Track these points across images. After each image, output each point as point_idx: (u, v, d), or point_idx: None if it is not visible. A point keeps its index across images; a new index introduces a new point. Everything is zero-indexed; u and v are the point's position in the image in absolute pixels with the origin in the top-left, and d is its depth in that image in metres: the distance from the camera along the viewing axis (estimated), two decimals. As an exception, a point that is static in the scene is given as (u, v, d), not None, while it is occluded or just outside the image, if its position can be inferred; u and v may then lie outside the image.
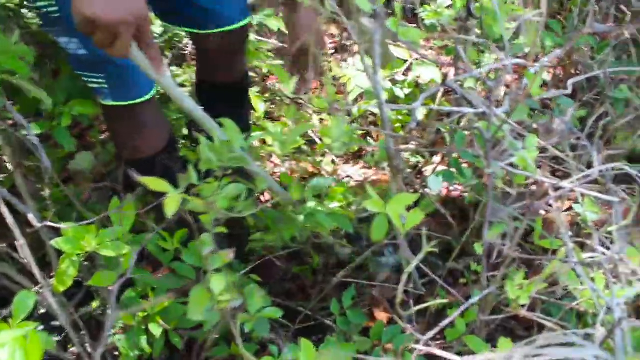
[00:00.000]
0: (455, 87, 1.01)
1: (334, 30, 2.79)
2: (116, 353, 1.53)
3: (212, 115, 1.17)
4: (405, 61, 1.84)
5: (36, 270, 1.16)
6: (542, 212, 1.46)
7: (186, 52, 2.61)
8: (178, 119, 1.94)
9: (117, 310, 1.50)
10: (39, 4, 1.20)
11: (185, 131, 2.02)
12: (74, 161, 1.90)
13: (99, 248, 1.18)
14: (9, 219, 1.10)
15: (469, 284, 1.61)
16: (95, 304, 1.64)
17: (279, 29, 2.24)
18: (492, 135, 0.92)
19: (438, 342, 1.49)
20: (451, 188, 1.83)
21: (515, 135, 1.08)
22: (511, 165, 0.99)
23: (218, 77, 1.66)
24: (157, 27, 2.03)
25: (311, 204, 1.20)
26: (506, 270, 1.01)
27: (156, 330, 1.36)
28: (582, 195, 0.96)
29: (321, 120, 2.09)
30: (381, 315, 1.58)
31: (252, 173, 1.15)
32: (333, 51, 2.65)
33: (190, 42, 2.23)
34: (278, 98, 2.29)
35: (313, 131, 2.21)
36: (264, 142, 2.06)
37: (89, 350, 1.38)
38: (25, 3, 1.79)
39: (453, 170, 1.23)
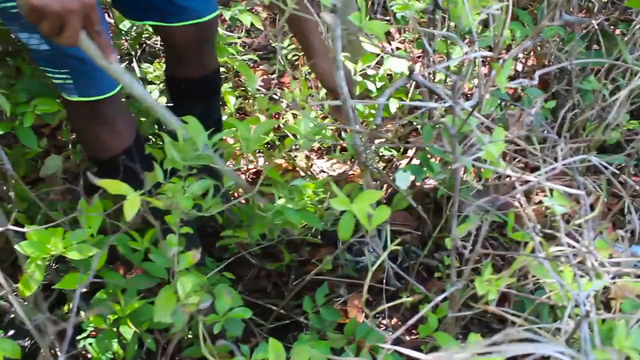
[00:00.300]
0: (421, 80, 1.00)
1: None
2: (89, 356, 1.51)
3: (183, 110, 1.15)
4: (377, 55, 1.83)
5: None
6: (517, 205, 1.46)
7: (156, 48, 2.58)
8: (148, 115, 1.92)
9: (82, 312, 1.49)
10: None
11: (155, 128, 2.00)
12: (44, 167, 1.87)
13: (65, 251, 1.16)
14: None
15: (444, 278, 1.61)
16: (66, 307, 1.61)
17: (251, 24, 2.22)
18: (458, 129, 0.91)
19: (412, 338, 1.49)
20: (426, 181, 1.82)
21: (483, 128, 1.07)
22: (479, 159, 0.98)
23: (188, 72, 1.64)
24: (126, 23, 1.99)
25: (280, 201, 1.18)
26: (474, 265, 1.00)
27: (128, 332, 1.34)
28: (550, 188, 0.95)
29: (295, 115, 2.07)
30: (355, 312, 1.58)
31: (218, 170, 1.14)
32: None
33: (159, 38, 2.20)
34: (250, 93, 2.27)
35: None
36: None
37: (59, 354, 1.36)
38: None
39: (420, 164, 1.22)
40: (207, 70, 1.66)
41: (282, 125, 2.03)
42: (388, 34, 2.61)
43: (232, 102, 2.11)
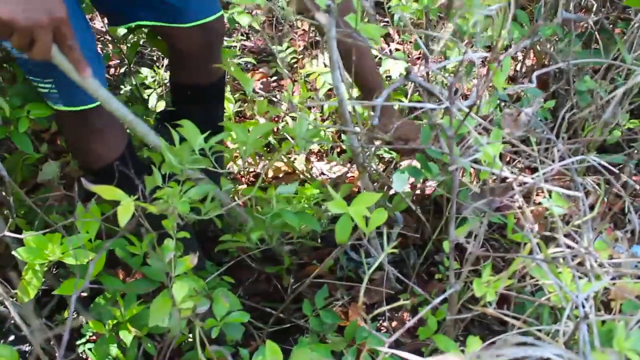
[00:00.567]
0: (419, 80, 1.00)
1: (305, 26, 2.77)
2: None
3: (187, 116, 1.13)
4: (376, 57, 1.82)
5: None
6: (515, 207, 1.46)
7: (154, 55, 2.58)
8: (146, 120, 1.91)
9: (80, 317, 1.48)
10: None
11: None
12: (41, 172, 1.87)
13: (62, 257, 1.16)
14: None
15: (444, 280, 1.60)
16: (67, 313, 1.61)
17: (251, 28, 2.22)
18: (455, 131, 0.91)
19: (413, 341, 1.49)
20: (426, 183, 1.82)
21: (481, 129, 1.07)
22: (477, 160, 0.98)
23: (194, 79, 1.62)
24: (121, 30, 1.99)
25: (278, 204, 1.18)
26: (474, 267, 0.99)
27: (127, 337, 1.33)
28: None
29: (294, 118, 2.07)
30: (356, 315, 1.57)
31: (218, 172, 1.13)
32: (303, 47, 2.63)
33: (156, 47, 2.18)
34: (249, 97, 2.26)
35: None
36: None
37: None
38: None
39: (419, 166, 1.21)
40: (214, 76, 1.64)
41: (280, 128, 2.02)
42: (387, 35, 2.60)
43: (230, 106, 2.11)
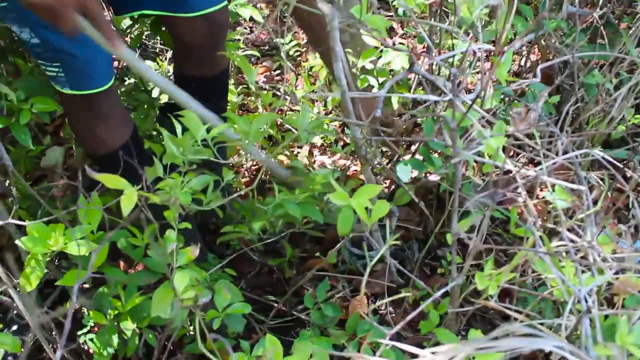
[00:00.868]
0: (423, 72, 0.99)
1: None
2: (91, 351, 1.51)
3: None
4: (378, 49, 1.82)
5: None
6: (519, 200, 1.45)
7: (157, 47, 2.58)
8: (148, 109, 1.91)
9: (81, 308, 1.48)
10: None
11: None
12: (44, 157, 1.87)
13: (66, 247, 1.16)
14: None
15: (446, 275, 1.60)
16: (69, 304, 1.61)
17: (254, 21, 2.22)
18: (458, 123, 0.90)
19: (415, 335, 1.48)
20: (428, 177, 1.82)
21: (484, 122, 1.06)
22: (480, 153, 0.97)
23: (198, 70, 1.61)
24: (126, 21, 1.98)
25: (280, 194, 1.17)
26: (476, 261, 0.99)
27: (128, 328, 1.34)
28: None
29: (297, 112, 2.07)
30: (357, 306, 1.57)
31: (220, 163, 1.13)
32: (306, 41, 2.62)
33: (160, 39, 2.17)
34: (252, 90, 2.26)
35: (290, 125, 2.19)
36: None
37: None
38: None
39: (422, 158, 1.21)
40: (218, 68, 1.63)
41: (282, 119, 2.02)
42: (391, 29, 2.60)
43: (234, 99, 2.10)
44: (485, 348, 0.60)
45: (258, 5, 2.94)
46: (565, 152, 0.97)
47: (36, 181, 1.96)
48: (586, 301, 0.81)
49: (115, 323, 1.34)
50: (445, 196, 1.57)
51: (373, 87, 1.83)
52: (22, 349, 1.21)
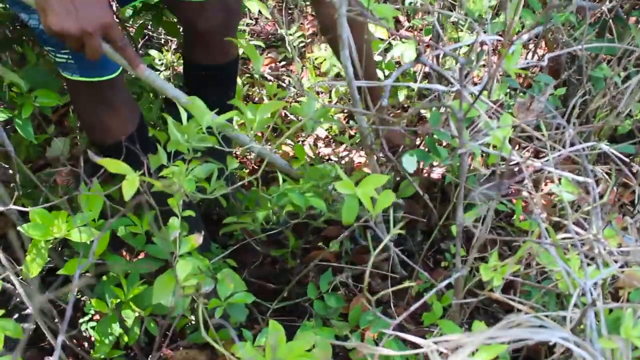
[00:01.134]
0: (429, 63, 0.98)
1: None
2: (92, 339, 1.51)
3: (204, 98, 1.13)
4: (384, 40, 1.81)
5: (2, 256, 1.13)
6: (524, 192, 1.45)
7: (162, 38, 2.57)
8: (153, 99, 1.91)
9: (83, 296, 1.48)
10: None
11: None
12: (49, 149, 1.87)
13: (68, 234, 1.16)
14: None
15: (450, 268, 1.59)
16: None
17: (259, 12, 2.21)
18: (465, 113, 0.90)
19: (418, 328, 1.48)
20: (432, 171, 1.81)
21: (491, 114, 1.05)
22: (486, 144, 0.97)
23: (209, 58, 1.60)
24: (128, 11, 1.98)
25: (284, 184, 1.17)
26: (481, 254, 0.98)
27: (130, 316, 1.33)
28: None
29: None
30: (360, 299, 1.56)
31: (224, 151, 1.12)
32: (312, 33, 2.61)
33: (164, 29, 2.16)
34: (257, 79, 2.25)
35: (294, 116, 2.19)
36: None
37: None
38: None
39: (427, 150, 1.20)
40: (229, 57, 1.62)
41: (288, 114, 2.01)
42: (397, 21, 2.58)
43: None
44: (490, 339, 0.60)
45: (263, -3, 2.94)
46: (572, 145, 0.96)
47: (39, 169, 1.96)
48: (591, 294, 0.80)
49: (117, 311, 1.34)
50: (449, 189, 1.56)
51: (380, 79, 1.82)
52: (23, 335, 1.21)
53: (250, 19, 2.87)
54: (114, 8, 2.22)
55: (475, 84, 1.46)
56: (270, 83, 2.28)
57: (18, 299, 1.58)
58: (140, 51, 2.43)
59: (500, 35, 1.30)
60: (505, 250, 1.65)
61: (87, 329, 1.45)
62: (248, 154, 2.07)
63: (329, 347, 1.07)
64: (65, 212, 1.16)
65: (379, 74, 1.82)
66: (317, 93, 2.22)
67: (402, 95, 1.90)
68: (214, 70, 1.61)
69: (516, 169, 1.16)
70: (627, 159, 1.11)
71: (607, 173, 1.22)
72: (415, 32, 2.35)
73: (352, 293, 1.62)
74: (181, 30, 2.25)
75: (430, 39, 1.89)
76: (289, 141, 2.06)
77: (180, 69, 2.43)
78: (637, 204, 1.46)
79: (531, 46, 1.90)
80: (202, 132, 1.04)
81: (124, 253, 1.71)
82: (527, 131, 0.94)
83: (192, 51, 1.62)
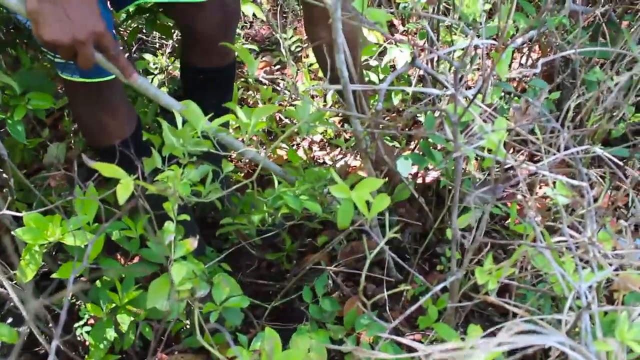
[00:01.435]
0: (424, 66, 0.99)
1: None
2: (87, 344, 1.50)
3: (200, 103, 1.13)
4: (379, 45, 1.81)
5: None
6: (519, 196, 1.45)
7: (156, 42, 2.57)
8: (147, 105, 1.90)
9: (78, 301, 1.47)
10: None
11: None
12: (46, 155, 1.86)
13: (62, 238, 1.15)
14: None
15: (445, 271, 1.60)
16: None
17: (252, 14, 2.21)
18: (459, 117, 0.90)
19: (413, 332, 1.48)
20: (427, 174, 1.81)
21: (485, 117, 1.06)
22: (481, 148, 0.97)
23: (207, 61, 1.60)
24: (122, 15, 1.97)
25: (280, 186, 1.17)
26: (473, 256, 0.98)
27: (125, 321, 1.33)
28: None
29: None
30: (354, 302, 1.56)
31: (219, 155, 1.12)
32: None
33: (157, 33, 2.16)
34: (251, 83, 2.25)
35: (289, 119, 2.19)
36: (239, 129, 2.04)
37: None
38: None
39: (422, 153, 1.20)
40: (227, 60, 1.62)
41: (283, 119, 2.01)
42: (391, 25, 2.59)
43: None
44: (485, 344, 0.60)
45: (258, 1, 2.94)
46: (566, 148, 0.96)
47: (33, 174, 1.96)
48: (586, 297, 0.80)
49: (112, 316, 1.34)
50: (444, 193, 1.56)
51: (374, 82, 1.83)
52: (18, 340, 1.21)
53: (245, 22, 2.87)
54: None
55: (469, 88, 1.47)
56: (265, 87, 2.28)
57: (12, 304, 1.57)
58: (135, 55, 2.42)
59: (494, 39, 1.30)
60: (500, 253, 1.65)
61: (81, 333, 1.44)
62: (243, 158, 2.07)
63: (325, 351, 1.07)
64: (59, 216, 1.16)
65: (374, 77, 1.83)
66: (312, 97, 2.23)
67: (396, 100, 1.90)
68: (212, 73, 1.61)
69: (511, 172, 1.17)
70: (621, 163, 1.12)
71: (601, 176, 1.23)
72: (410, 36, 2.35)
73: (346, 295, 1.62)
74: (175, 33, 2.25)
75: (424, 44, 1.90)
76: (284, 145, 2.06)
77: (175, 73, 2.42)
78: (631, 207, 1.47)
79: (525, 50, 1.91)
80: (197, 136, 1.03)
81: (119, 257, 1.71)
82: (522, 135, 0.94)
83: (190, 54, 1.62)
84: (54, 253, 1.73)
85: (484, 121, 0.97)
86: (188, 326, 1.49)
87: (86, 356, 1.37)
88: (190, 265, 1.00)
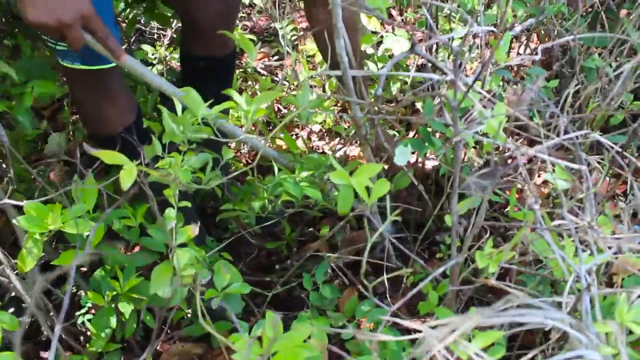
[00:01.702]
0: (423, 53, 0.99)
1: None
2: (89, 332, 1.51)
3: (201, 91, 1.13)
4: (377, 33, 1.81)
5: (-2, 250, 1.14)
6: (519, 182, 1.45)
7: (154, 33, 2.57)
8: (146, 94, 1.90)
9: (81, 288, 1.47)
10: None
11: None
12: (47, 145, 1.87)
13: (63, 226, 1.15)
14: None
15: (445, 259, 1.60)
16: (66, 286, 1.61)
17: (250, 5, 2.21)
18: (459, 102, 0.90)
19: (413, 319, 1.49)
20: (427, 162, 1.82)
21: (485, 103, 1.06)
22: (480, 133, 0.97)
23: (207, 50, 1.59)
24: (121, 4, 1.97)
25: (280, 173, 1.17)
26: (473, 240, 0.99)
27: (126, 309, 1.33)
28: (552, 163, 0.94)
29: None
30: (353, 291, 1.57)
31: (220, 143, 1.12)
32: (305, 27, 2.61)
33: (155, 23, 2.16)
34: (250, 73, 2.25)
35: (287, 108, 2.19)
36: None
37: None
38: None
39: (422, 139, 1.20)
40: (227, 50, 1.62)
41: (281, 102, 2.01)
42: (389, 15, 2.59)
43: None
44: (485, 322, 0.60)
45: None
46: (565, 133, 0.97)
47: (33, 166, 1.96)
48: (586, 279, 0.81)
49: (113, 304, 1.34)
50: (443, 182, 1.57)
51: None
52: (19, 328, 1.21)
53: (243, 14, 2.87)
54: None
55: (467, 76, 1.47)
56: (264, 78, 2.28)
57: (13, 293, 1.58)
58: (133, 46, 2.42)
59: (493, 27, 1.31)
60: (500, 240, 1.66)
61: (83, 322, 1.45)
62: (242, 147, 2.07)
63: (325, 337, 1.08)
64: (59, 205, 1.16)
65: (372, 66, 1.82)
66: (311, 87, 2.23)
67: (395, 88, 1.90)
68: (213, 62, 1.61)
69: (510, 159, 1.17)
70: (619, 149, 1.12)
71: (599, 163, 1.23)
72: (408, 25, 2.35)
73: (345, 283, 1.62)
74: (174, 23, 2.24)
75: (423, 32, 1.90)
76: (283, 135, 2.06)
77: (174, 63, 2.42)
78: (629, 193, 1.48)
79: (523, 38, 1.92)
80: (197, 123, 1.04)
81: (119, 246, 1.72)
82: (521, 120, 0.94)
83: (191, 43, 1.62)
84: (54, 243, 1.73)
85: (483, 107, 0.98)
86: (189, 315, 1.49)
87: (87, 345, 1.38)
88: (192, 251, 1.01)
